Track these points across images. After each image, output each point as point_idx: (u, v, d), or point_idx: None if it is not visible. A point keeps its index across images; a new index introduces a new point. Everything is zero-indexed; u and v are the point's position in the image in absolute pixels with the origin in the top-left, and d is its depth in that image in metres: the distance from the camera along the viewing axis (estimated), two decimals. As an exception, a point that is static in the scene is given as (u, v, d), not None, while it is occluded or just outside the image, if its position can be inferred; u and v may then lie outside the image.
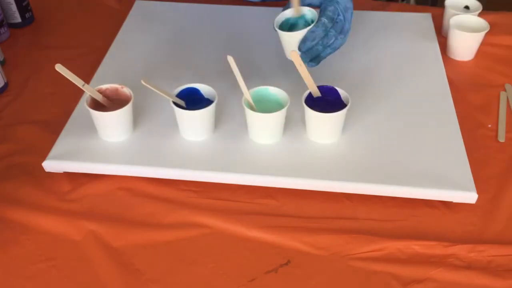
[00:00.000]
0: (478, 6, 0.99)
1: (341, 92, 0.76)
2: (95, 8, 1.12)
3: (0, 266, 0.65)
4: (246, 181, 0.73)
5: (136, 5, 1.07)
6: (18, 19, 1.05)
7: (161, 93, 0.73)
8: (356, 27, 1.01)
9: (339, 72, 0.89)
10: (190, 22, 1.03)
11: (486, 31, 0.92)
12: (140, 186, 0.74)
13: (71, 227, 0.69)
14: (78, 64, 0.87)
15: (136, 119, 0.79)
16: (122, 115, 0.74)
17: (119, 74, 0.88)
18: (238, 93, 0.75)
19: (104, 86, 0.77)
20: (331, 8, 0.74)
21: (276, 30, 0.75)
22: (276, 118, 0.73)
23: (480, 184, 0.71)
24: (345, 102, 0.75)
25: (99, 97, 0.75)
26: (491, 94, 0.89)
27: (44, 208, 0.71)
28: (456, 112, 0.81)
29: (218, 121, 0.78)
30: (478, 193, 0.69)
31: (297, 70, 0.73)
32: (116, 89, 0.77)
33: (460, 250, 0.66)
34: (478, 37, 0.93)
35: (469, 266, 0.64)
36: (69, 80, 0.72)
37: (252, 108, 0.74)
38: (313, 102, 0.75)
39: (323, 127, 0.75)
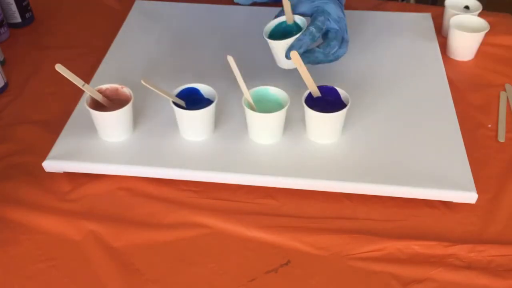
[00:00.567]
0: (478, 6, 0.99)
1: (341, 92, 0.76)
2: (95, 8, 1.12)
3: (0, 266, 0.65)
4: (246, 181, 0.73)
5: (136, 5, 1.07)
6: (18, 19, 1.05)
7: (161, 93, 0.73)
8: (356, 27, 1.01)
9: (339, 72, 0.89)
10: (190, 22, 1.03)
11: (486, 31, 0.92)
12: (140, 186, 0.74)
13: (71, 227, 0.69)
14: (78, 64, 0.87)
15: (136, 119, 0.79)
16: (122, 115, 0.74)
17: (119, 74, 0.88)
18: (238, 93, 0.75)
19: (104, 86, 0.77)
20: (321, 18, 0.75)
21: (265, 38, 0.77)
22: (276, 118, 0.73)
23: (480, 184, 0.71)
24: (345, 102, 0.75)
25: (99, 97, 0.75)
26: (491, 94, 0.89)
27: (44, 208, 0.71)
28: (456, 112, 0.81)
29: (218, 121, 0.78)
30: (478, 193, 0.69)
31: (297, 70, 0.73)
32: (116, 89, 0.77)
33: (460, 250, 0.66)
34: (478, 37, 0.93)
35: (469, 266, 0.64)
36: (69, 80, 0.72)
37: (252, 108, 0.74)
38: (313, 102, 0.75)
39: (323, 127, 0.75)
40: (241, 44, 0.96)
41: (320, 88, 0.76)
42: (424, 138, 0.77)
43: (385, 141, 0.76)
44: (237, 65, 0.72)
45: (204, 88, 0.77)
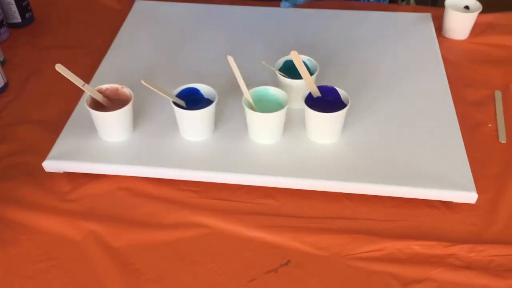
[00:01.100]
0: (478, 6, 0.99)
1: (341, 92, 0.76)
2: (95, 8, 1.12)
3: (0, 266, 0.65)
4: (246, 181, 0.73)
5: (136, 5, 1.07)
6: (18, 19, 1.05)
7: (161, 93, 0.73)
8: (356, 27, 1.01)
9: (339, 72, 0.89)
10: (190, 22, 1.03)
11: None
12: (140, 186, 0.74)
13: (71, 227, 0.69)
14: (78, 64, 0.87)
15: (136, 119, 0.79)
16: (122, 115, 0.74)
17: (119, 74, 0.88)
18: (238, 93, 0.75)
19: (104, 86, 0.77)
20: None
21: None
22: (276, 118, 0.73)
23: (480, 184, 0.71)
24: (345, 102, 0.75)
25: (99, 97, 0.75)
26: (491, 94, 0.89)
27: (44, 208, 0.71)
28: (456, 112, 0.81)
29: (218, 121, 0.78)
30: (478, 193, 0.69)
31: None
32: (116, 89, 0.77)
33: (460, 250, 0.66)
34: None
35: (469, 266, 0.64)
36: (69, 80, 0.72)
37: (252, 108, 0.74)
38: (313, 102, 0.75)
39: (323, 127, 0.75)
40: (241, 44, 0.96)
41: (320, 88, 0.76)
42: (424, 138, 0.77)
43: (385, 141, 0.76)
44: (237, 65, 0.72)
45: (204, 88, 0.77)
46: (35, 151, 0.78)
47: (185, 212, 0.70)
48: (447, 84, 0.86)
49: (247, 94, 0.73)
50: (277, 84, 0.79)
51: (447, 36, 1.01)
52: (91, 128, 0.77)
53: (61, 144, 0.76)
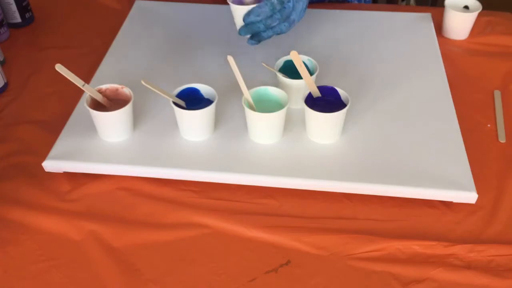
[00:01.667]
0: (478, 6, 0.99)
1: (341, 92, 0.76)
2: (95, 8, 1.12)
3: (0, 266, 0.65)
4: (246, 181, 0.73)
5: (136, 5, 1.07)
6: (18, 19, 1.05)
7: (161, 93, 0.73)
8: (356, 28, 1.01)
9: (339, 72, 0.89)
10: (190, 22, 1.03)
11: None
12: (140, 186, 0.74)
13: (71, 227, 0.69)
14: (78, 64, 0.87)
15: (136, 119, 0.79)
16: (122, 115, 0.74)
17: (119, 74, 0.88)
18: (238, 93, 0.75)
19: (104, 86, 0.77)
20: None
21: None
22: (276, 118, 0.73)
23: (480, 184, 0.71)
24: (345, 102, 0.75)
25: (99, 97, 0.75)
26: (491, 94, 0.89)
27: (44, 208, 0.71)
28: (456, 112, 0.81)
29: (218, 121, 0.78)
30: (478, 193, 0.69)
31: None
32: (116, 89, 0.77)
33: (460, 250, 0.66)
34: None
35: (469, 266, 0.64)
36: (69, 80, 0.72)
37: (252, 108, 0.74)
38: (313, 102, 0.75)
39: (323, 127, 0.75)
40: (241, 44, 0.96)
41: (320, 88, 0.76)
42: (424, 138, 0.77)
43: (385, 141, 0.76)
44: (237, 65, 0.72)
45: (204, 88, 0.77)
46: (35, 151, 0.78)
47: (185, 212, 0.70)
48: (447, 84, 0.86)
49: (247, 94, 0.73)
50: (277, 84, 0.79)
51: (447, 36, 1.01)
52: (91, 128, 0.77)
53: (61, 144, 0.76)
